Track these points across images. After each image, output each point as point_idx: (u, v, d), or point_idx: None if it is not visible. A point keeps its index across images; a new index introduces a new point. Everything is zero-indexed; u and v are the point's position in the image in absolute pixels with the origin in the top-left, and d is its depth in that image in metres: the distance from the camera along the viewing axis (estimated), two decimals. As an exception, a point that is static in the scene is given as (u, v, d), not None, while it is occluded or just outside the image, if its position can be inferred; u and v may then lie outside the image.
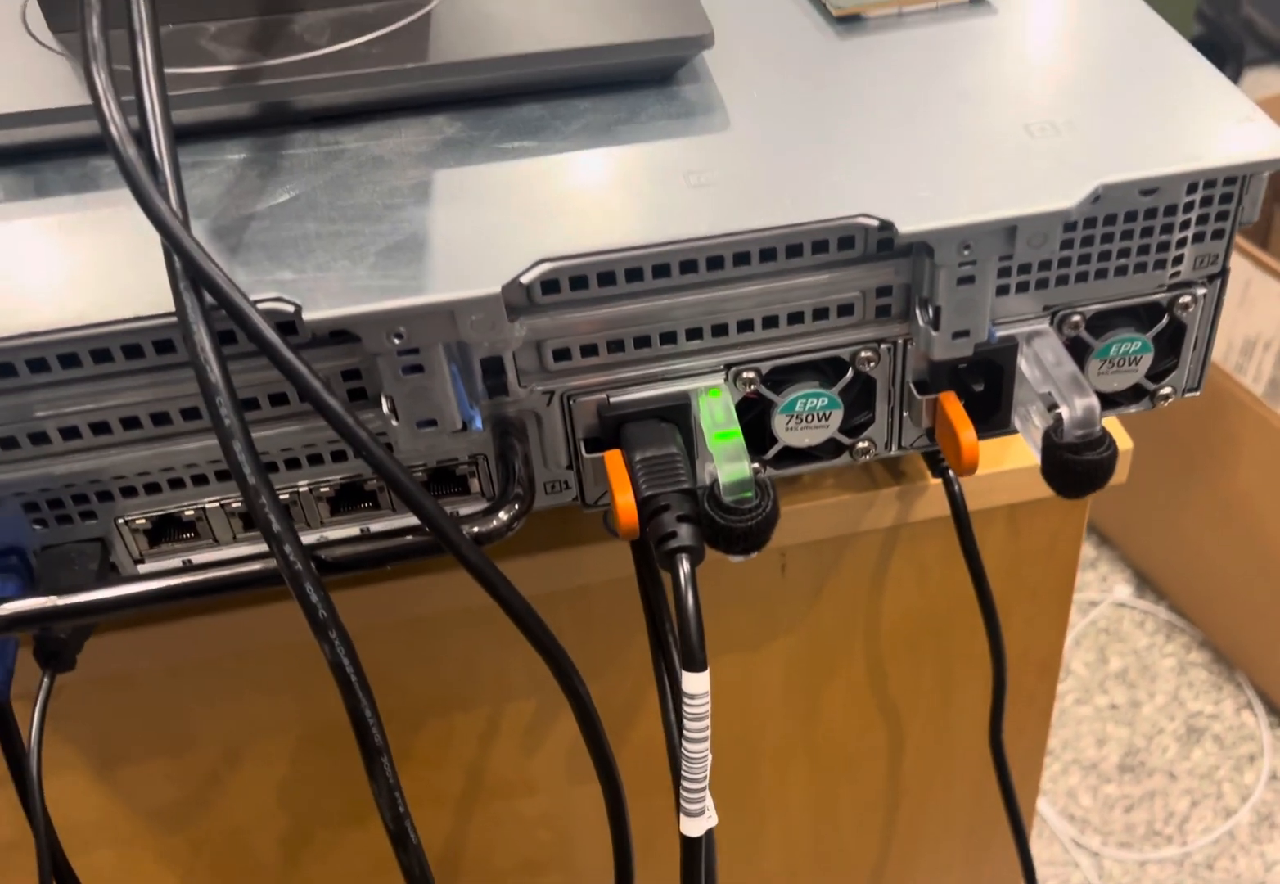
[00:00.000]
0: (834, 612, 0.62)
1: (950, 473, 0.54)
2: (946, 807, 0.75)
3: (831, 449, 0.40)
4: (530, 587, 0.55)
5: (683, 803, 0.36)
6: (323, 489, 0.36)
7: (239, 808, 0.61)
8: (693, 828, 0.37)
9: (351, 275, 0.32)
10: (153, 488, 0.35)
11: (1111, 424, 0.56)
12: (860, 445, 0.40)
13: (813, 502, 0.56)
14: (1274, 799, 1.16)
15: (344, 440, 0.31)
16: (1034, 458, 0.57)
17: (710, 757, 0.37)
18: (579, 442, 0.37)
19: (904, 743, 0.70)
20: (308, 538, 0.34)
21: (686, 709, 0.35)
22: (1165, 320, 0.38)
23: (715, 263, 0.34)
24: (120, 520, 0.36)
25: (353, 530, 0.37)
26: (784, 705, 0.66)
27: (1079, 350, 0.39)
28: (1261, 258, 1.16)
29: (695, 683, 0.35)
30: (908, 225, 0.33)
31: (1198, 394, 0.41)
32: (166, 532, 0.37)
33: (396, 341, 0.32)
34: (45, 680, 0.35)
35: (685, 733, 0.35)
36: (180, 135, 0.36)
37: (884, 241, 0.35)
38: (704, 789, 0.36)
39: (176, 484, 0.35)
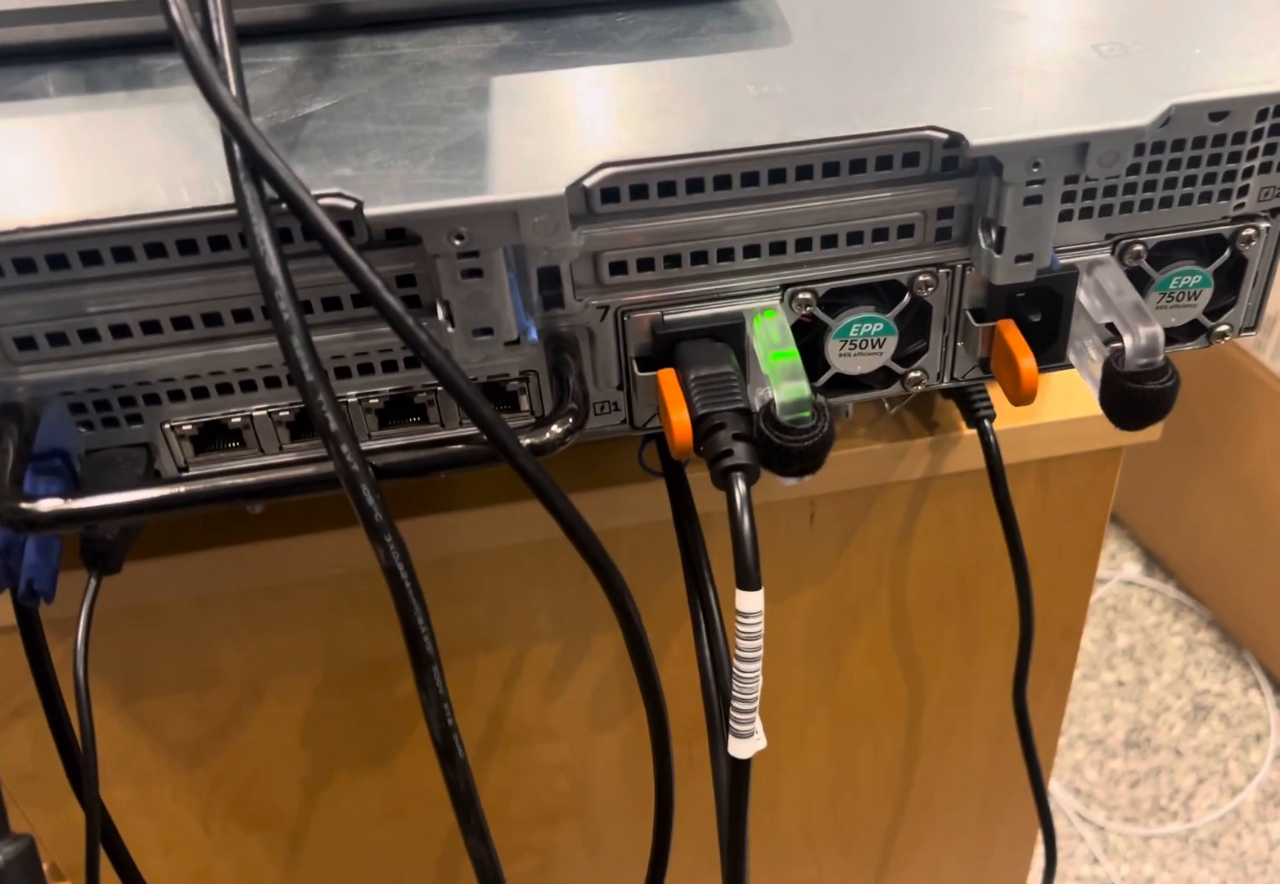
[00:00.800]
0: (861, 564, 0.62)
1: (985, 423, 0.54)
2: (964, 767, 0.75)
3: (883, 378, 0.39)
4: (554, 529, 0.55)
5: (733, 724, 0.36)
6: (372, 400, 0.36)
7: (260, 746, 0.61)
8: (742, 750, 0.36)
9: (412, 174, 0.31)
10: (200, 392, 0.35)
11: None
12: (912, 375, 0.39)
13: (844, 450, 0.55)
14: (1279, 778, 1.16)
15: (404, 342, 0.30)
16: (1067, 411, 0.58)
17: (761, 678, 0.36)
18: (631, 360, 0.37)
19: (924, 701, 0.70)
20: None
21: (740, 629, 0.35)
22: (1227, 254, 0.38)
23: (777, 176, 0.34)
24: (166, 426, 0.35)
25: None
26: (807, 659, 0.66)
27: (1138, 283, 0.38)
28: None
29: (750, 602, 0.35)
30: (978, 138, 0.32)
31: (1254, 334, 0.41)
32: (212, 440, 0.36)
33: (457, 243, 0.31)
34: (92, 582, 0.35)
35: (738, 653, 0.35)
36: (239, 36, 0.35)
37: (948, 160, 0.34)
38: (754, 710, 0.36)
39: (224, 390, 0.35)
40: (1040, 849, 0.75)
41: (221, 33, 0.30)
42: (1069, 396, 0.57)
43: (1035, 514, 0.62)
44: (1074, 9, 0.37)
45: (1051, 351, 0.39)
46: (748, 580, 0.34)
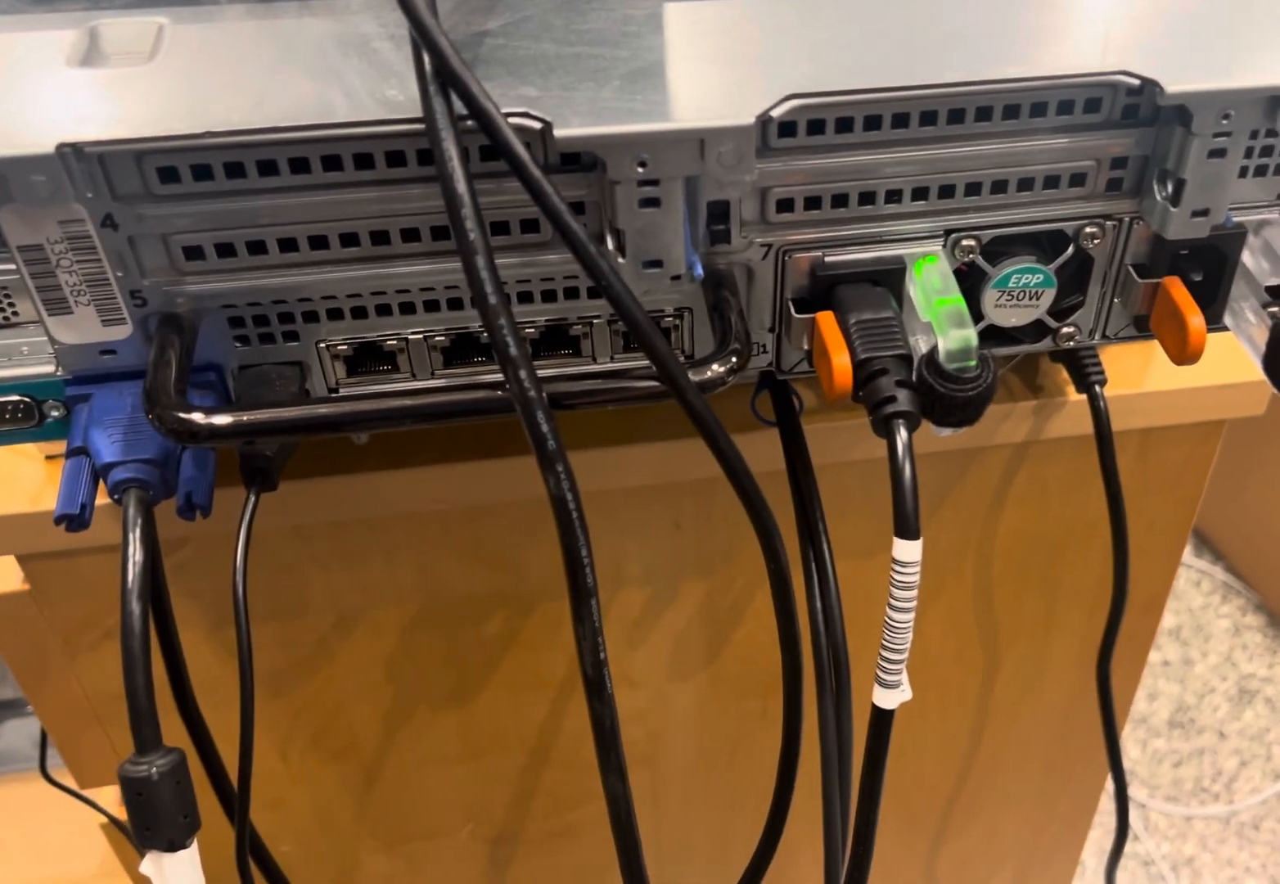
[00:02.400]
0: (951, 527, 0.61)
1: (1097, 388, 0.53)
2: (1030, 738, 0.75)
3: (1035, 332, 0.38)
4: (653, 475, 0.54)
5: (881, 675, 0.36)
6: (527, 331, 0.36)
7: (343, 679, 0.61)
8: (887, 700, 0.36)
9: (598, 96, 0.31)
10: (359, 312, 0.35)
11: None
12: (1066, 330, 0.38)
13: (952, 409, 0.55)
14: (1326, 765, 1.16)
15: (585, 270, 0.30)
16: (1173, 381, 0.57)
17: (912, 630, 0.36)
18: (787, 301, 0.36)
19: (999, 668, 0.70)
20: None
21: (896, 578, 0.35)
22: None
23: (956, 116, 0.33)
24: (322, 344, 0.35)
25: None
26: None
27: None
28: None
29: (908, 551, 0.34)
30: (1174, 85, 0.31)
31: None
32: (364, 362, 0.36)
33: (640, 170, 0.31)
34: (251, 499, 0.34)
35: (892, 602, 0.35)
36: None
37: (1129, 108, 0.34)
38: (903, 661, 0.36)
39: (384, 311, 0.35)
40: (1100, 823, 0.75)
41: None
42: (1167, 368, 0.57)
43: (1131, 485, 0.61)
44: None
45: (1210, 312, 0.38)
46: (907, 530, 0.34)
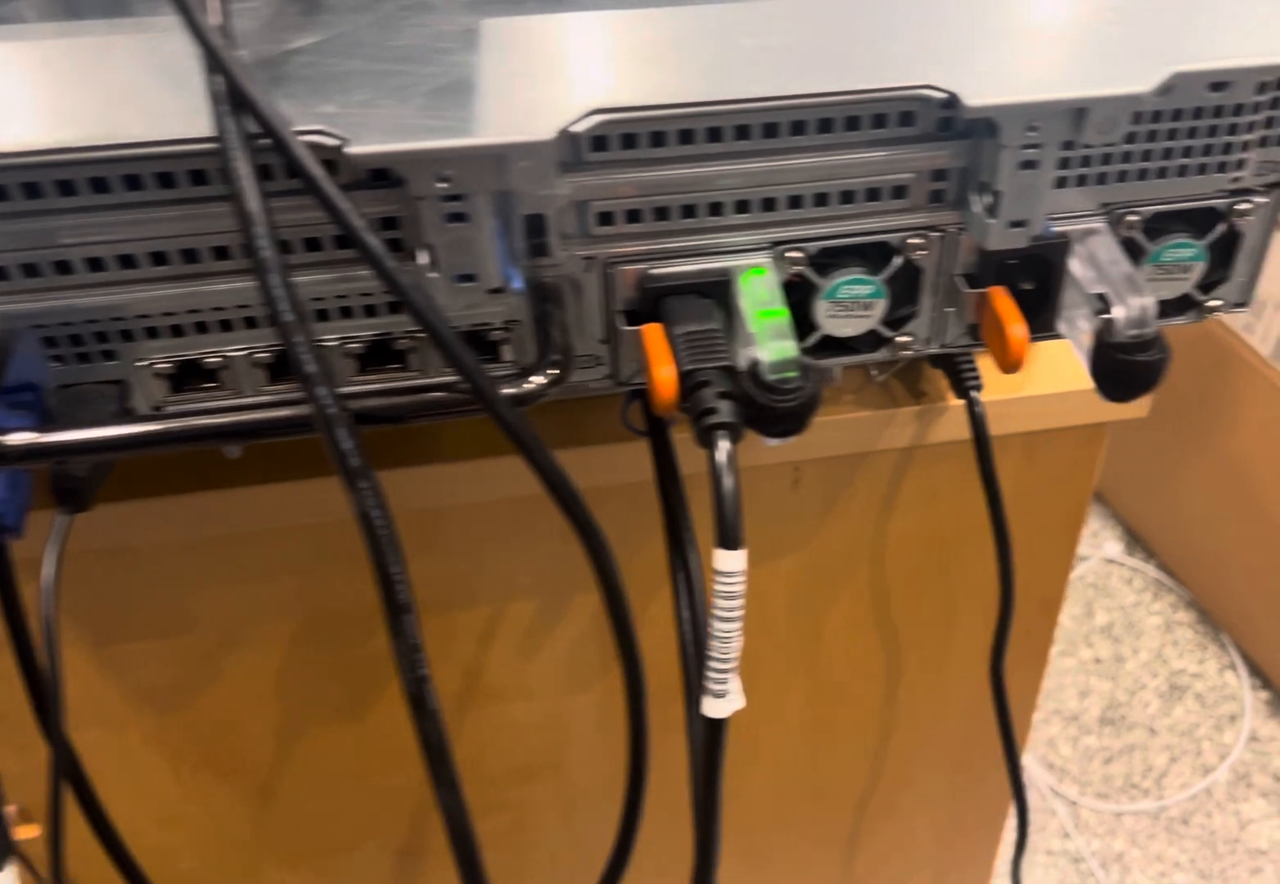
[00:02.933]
0: (842, 531, 0.61)
1: (973, 394, 0.54)
2: (940, 737, 0.75)
3: (872, 342, 0.39)
4: (533, 485, 0.54)
5: (709, 685, 0.36)
6: (351, 345, 0.35)
7: (233, 694, 0.61)
8: (718, 709, 0.36)
9: (398, 113, 0.30)
10: (177, 330, 0.34)
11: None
12: (901, 339, 0.39)
13: (831, 416, 0.55)
14: (1252, 759, 1.17)
15: (385, 285, 0.30)
16: (1053, 385, 0.57)
17: (741, 638, 0.36)
18: (616, 314, 0.36)
19: (902, 671, 0.70)
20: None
21: (720, 588, 0.35)
22: (1222, 227, 0.37)
23: (770, 130, 0.33)
24: (141, 363, 0.35)
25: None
26: (787, 624, 0.66)
27: (1131, 254, 0.38)
28: None
29: (731, 561, 0.34)
30: (974, 99, 0.32)
31: (1246, 309, 0.40)
32: (188, 380, 0.36)
33: (442, 186, 0.31)
34: (59, 520, 0.34)
35: (716, 612, 0.35)
36: (224, -32, 0.34)
37: (944, 121, 0.34)
38: (731, 670, 0.36)
39: (201, 328, 0.34)
40: (1012, 823, 0.75)
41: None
42: (1055, 370, 0.57)
43: (1017, 487, 0.61)
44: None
45: (1042, 321, 0.39)
46: (729, 540, 0.34)
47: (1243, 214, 0.37)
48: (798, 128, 0.33)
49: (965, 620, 0.68)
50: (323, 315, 0.35)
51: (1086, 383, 0.57)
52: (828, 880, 0.85)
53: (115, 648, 0.59)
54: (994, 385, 0.54)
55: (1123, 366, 0.35)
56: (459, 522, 0.56)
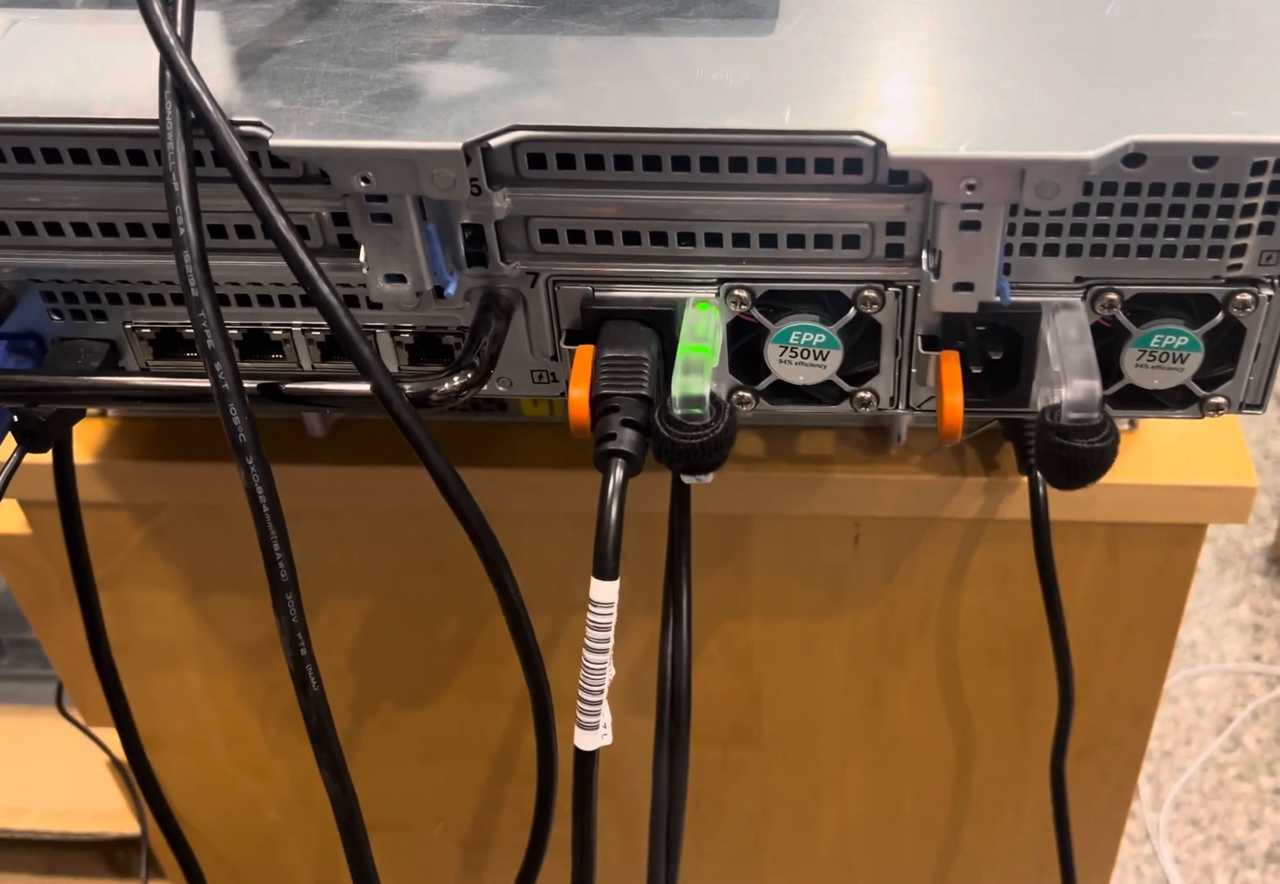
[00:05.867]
0: (908, 596, 0.59)
1: (1037, 472, 0.51)
2: (1016, 833, 0.71)
3: (832, 393, 0.38)
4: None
5: (580, 716, 0.36)
6: (314, 333, 0.37)
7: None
8: (587, 741, 0.36)
9: (333, 113, 0.32)
10: (157, 299, 0.37)
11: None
12: (862, 395, 0.37)
13: (892, 475, 0.54)
14: None
15: (294, 274, 0.31)
16: (1142, 474, 0.54)
17: (611, 671, 0.36)
18: (562, 332, 0.37)
19: (974, 756, 0.67)
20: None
21: (591, 618, 0.35)
22: (1220, 318, 0.34)
23: (709, 164, 0.33)
24: (128, 326, 0.38)
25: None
26: (847, 685, 0.64)
27: (1117, 336, 0.35)
28: None
29: (603, 591, 0.34)
30: (900, 150, 0.30)
31: (1260, 412, 0.37)
32: (173, 347, 0.39)
33: (364, 184, 0.32)
34: (15, 456, 0.37)
35: (586, 642, 0.35)
36: (254, -28, 0.37)
37: (897, 172, 0.33)
38: (600, 703, 0.36)
39: (179, 299, 0.37)
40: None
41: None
42: (1151, 458, 0.54)
43: (1102, 581, 0.58)
44: (1083, 24, 0.35)
45: (1013, 394, 0.37)
46: (603, 570, 0.34)
47: (1244, 306, 0.34)
48: (738, 164, 0.33)
49: (1043, 714, 0.64)
50: (286, 300, 0.37)
51: (1185, 477, 0.53)
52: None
53: (209, 598, 0.63)
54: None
55: (1061, 451, 0.33)
56: (521, 529, 0.58)
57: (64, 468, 0.43)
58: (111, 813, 0.83)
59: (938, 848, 0.73)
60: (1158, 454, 0.53)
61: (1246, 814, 1.11)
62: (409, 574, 0.61)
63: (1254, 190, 0.32)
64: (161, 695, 0.67)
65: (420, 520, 0.59)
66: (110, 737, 0.76)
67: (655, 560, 0.57)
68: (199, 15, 0.36)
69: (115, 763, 0.76)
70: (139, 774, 0.58)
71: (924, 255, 0.34)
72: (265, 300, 0.37)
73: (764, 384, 0.37)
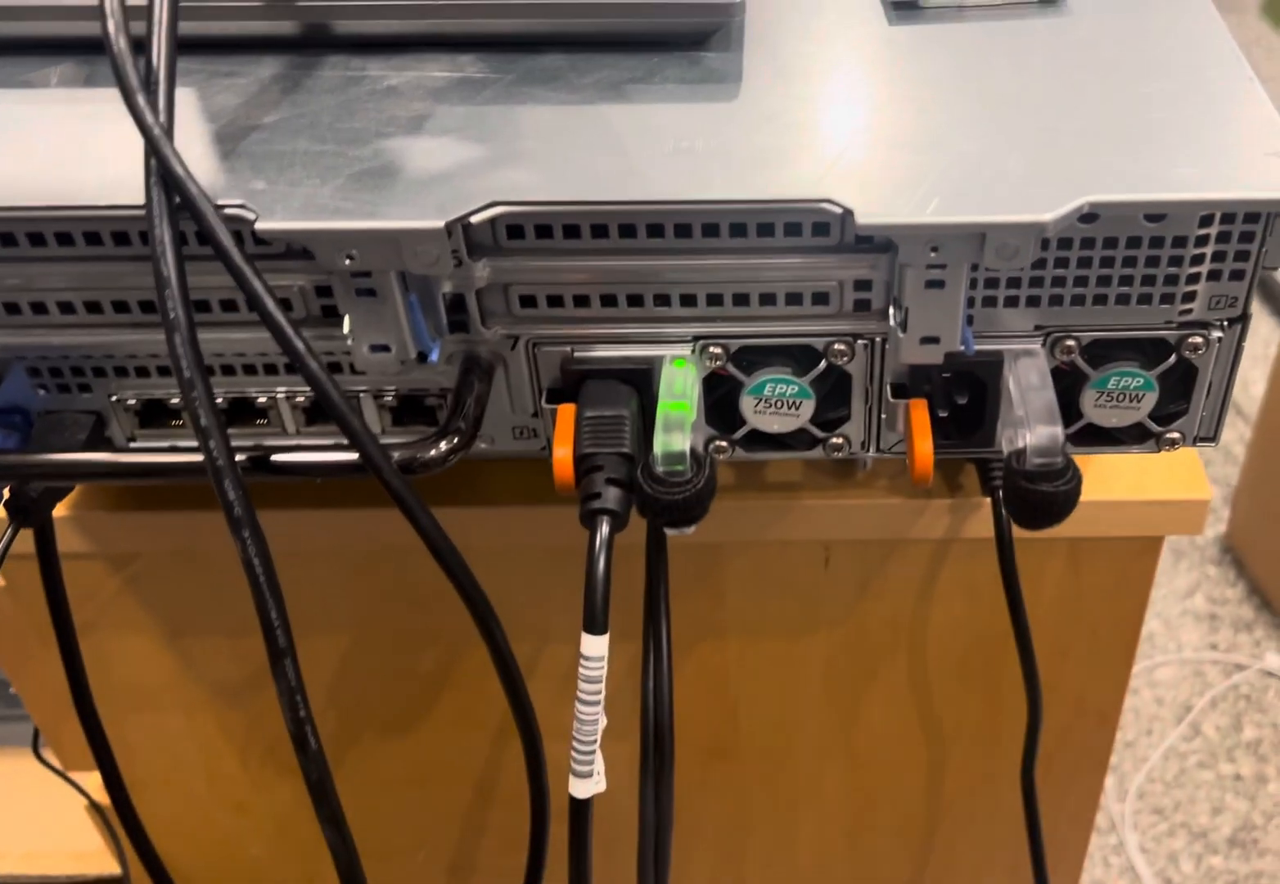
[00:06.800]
0: (878, 614, 0.61)
1: (998, 493, 0.53)
2: (989, 839, 0.73)
3: (806, 440, 0.39)
4: (568, 535, 0.56)
5: (573, 764, 0.37)
6: (299, 399, 0.38)
7: (288, 698, 0.64)
8: (581, 789, 0.37)
9: (317, 193, 0.33)
10: (142, 371, 0.38)
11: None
12: (835, 441, 0.39)
13: (860, 499, 0.55)
14: (1397, 910, 1.07)
15: (281, 349, 0.32)
16: (1101, 492, 0.55)
17: (603, 720, 0.37)
18: (543, 391, 0.38)
19: (946, 761, 0.69)
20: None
21: (582, 671, 0.36)
22: (1173, 359, 0.36)
23: (683, 230, 0.34)
24: (114, 398, 0.38)
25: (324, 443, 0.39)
26: (822, 700, 0.65)
27: (1075, 380, 0.37)
28: None
29: (594, 645, 0.35)
30: (867, 217, 0.32)
31: (1213, 445, 0.38)
32: (159, 417, 0.39)
33: (349, 262, 0.33)
34: (9, 533, 0.38)
35: (579, 694, 0.36)
36: (225, 46, 0.38)
37: (864, 235, 0.34)
38: (594, 752, 0.37)
39: (164, 371, 0.38)
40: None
41: (160, 43, 0.33)
42: (1109, 477, 0.55)
43: (1066, 592, 0.60)
44: (1043, 88, 0.36)
45: (980, 436, 0.38)
46: (594, 625, 0.35)
47: (1195, 348, 0.36)
48: (710, 230, 0.34)
49: (1016, 723, 0.66)
50: (270, 369, 0.38)
51: (1141, 493, 0.55)
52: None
53: (188, 640, 0.63)
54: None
55: (1026, 495, 0.34)
56: (499, 564, 0.58)
57: (44, 527, 0.44)
58: (90, 854, 0.83)
59: (913, 854, 0.75)
60: (1115, 472, 0.55)
61: (1209, 801, 1.14)
62: (384, 609, 0.61)
63: (1202, 241, 0.34)
64: (140, 737, 0.67)
65: (394, 557, 0.59)
66: (87, 779, 0.76)
67: (630, 586, 0.58)
68: (177, 92, 0.37)
69: (94, 805, 0.76)
70: (123, 815, 0.58)
71: (891, 310, 0.35)
72: (249, 369, 0.38)
73: (740, 433, 0.38)
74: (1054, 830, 0.69)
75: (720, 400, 0.38)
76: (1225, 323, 0.36)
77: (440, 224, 0.32)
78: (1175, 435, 0.38)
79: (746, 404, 0.37)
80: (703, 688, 0.64)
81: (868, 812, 0.71)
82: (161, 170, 0.32)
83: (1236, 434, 1.45)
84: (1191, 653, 1.26)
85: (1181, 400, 0.37)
